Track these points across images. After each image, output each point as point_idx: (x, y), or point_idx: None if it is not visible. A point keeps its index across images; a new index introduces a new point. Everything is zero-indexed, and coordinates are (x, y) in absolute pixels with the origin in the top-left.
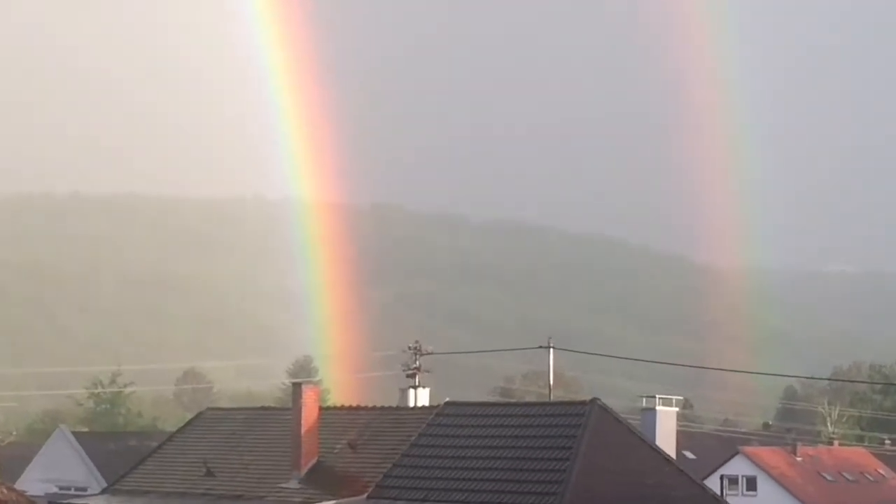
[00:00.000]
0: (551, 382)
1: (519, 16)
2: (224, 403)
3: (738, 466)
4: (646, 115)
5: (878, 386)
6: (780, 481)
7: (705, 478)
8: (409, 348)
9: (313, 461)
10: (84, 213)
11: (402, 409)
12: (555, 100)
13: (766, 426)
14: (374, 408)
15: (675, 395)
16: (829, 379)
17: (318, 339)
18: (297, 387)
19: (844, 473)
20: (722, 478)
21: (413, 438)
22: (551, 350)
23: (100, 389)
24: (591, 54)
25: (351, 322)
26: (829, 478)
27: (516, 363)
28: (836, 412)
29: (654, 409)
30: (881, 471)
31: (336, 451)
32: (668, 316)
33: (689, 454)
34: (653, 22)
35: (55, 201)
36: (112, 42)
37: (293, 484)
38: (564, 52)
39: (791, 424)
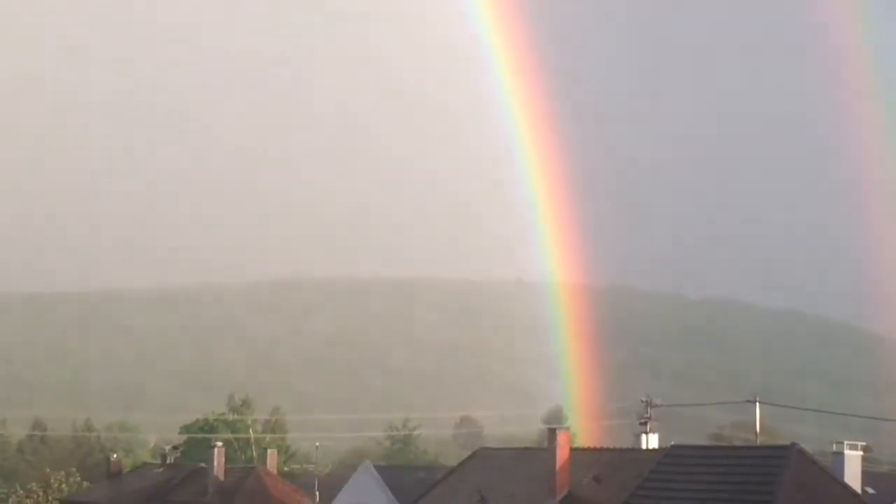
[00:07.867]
0: (758, 429)
1: (738, 90)
2: (492, 445)
3: None
4: (840, 193)
5: None
6: None
7: None
8: (643, 401)
9: (565, 491)
10: (382, 292)
11: (637, 451)
12: (756, 186)
13: None
14: (614, 449)
15: (858, 441)
16: None
17: (566, 393)
18: (552, 432)
19: None
20: None
21: (646, 474)
22: (757, 403)
23: (394, 432)
24: (790, 124)
25: (592, 380)
26: None
27: (726, 414)
28: None
29: (842, 453)
30: None
31: (584, 483)
32: (851, 378)
33: (869, 489)
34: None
35: (359, 282)
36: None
37: None
38: (764, 126)
39: None
